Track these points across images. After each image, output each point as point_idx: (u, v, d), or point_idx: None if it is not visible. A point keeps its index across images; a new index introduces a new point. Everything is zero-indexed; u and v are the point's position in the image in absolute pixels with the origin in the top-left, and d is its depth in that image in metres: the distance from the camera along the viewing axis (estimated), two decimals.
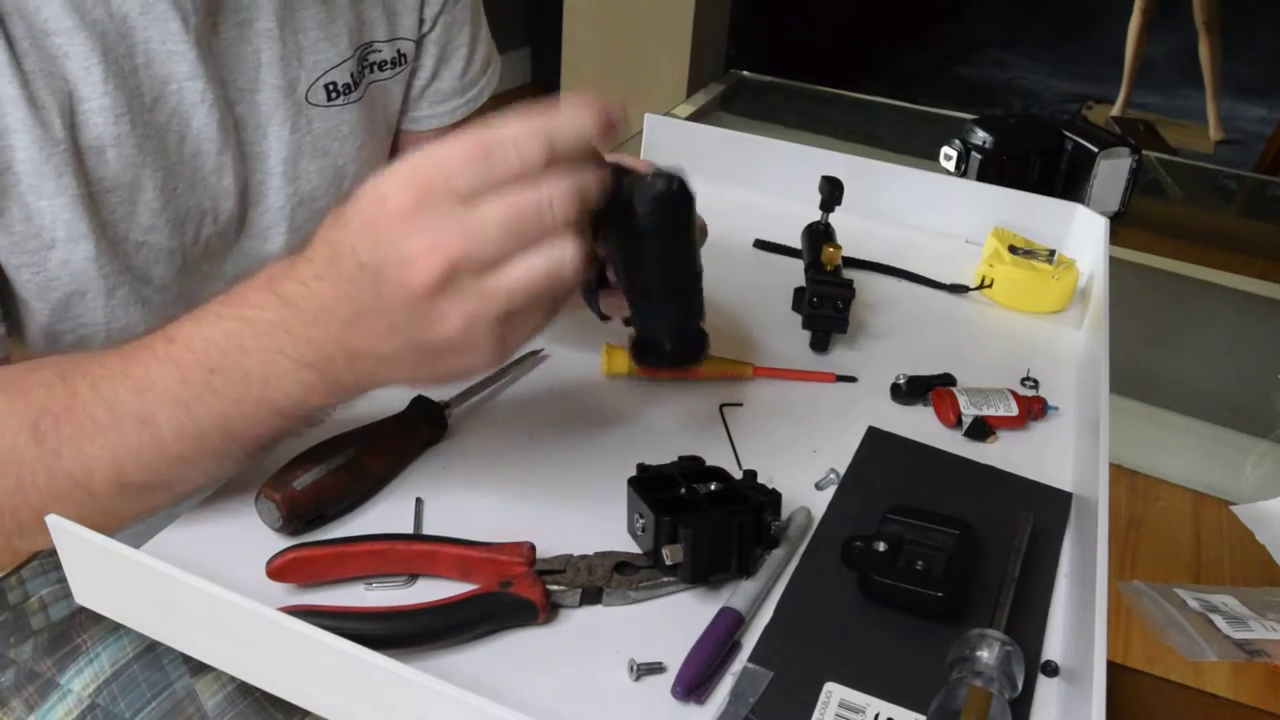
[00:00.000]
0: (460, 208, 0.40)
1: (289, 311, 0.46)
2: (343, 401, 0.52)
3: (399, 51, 0.76)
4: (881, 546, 0.53)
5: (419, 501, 0.57)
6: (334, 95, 0.71)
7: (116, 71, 0.57)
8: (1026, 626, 0.52)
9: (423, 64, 0.79)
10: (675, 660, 0.48)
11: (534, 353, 0.70)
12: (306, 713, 0.47)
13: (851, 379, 0.71)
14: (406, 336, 0.44)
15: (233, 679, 0.49)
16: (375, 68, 0.74)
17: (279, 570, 0.50)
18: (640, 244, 0.48)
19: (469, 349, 0.44)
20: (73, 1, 0.55)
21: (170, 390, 0.48)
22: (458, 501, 0.57)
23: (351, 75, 0.72)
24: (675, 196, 0.47)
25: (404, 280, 0.41)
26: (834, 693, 0.48)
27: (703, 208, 0.51)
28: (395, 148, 0.83)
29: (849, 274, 0.74)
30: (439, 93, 0.82)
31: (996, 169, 1.17)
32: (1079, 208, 0.90)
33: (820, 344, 0.74)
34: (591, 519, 0.56)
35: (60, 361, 0.52)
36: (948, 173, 1.20)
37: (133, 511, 0.52)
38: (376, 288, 0.43)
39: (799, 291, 0.76)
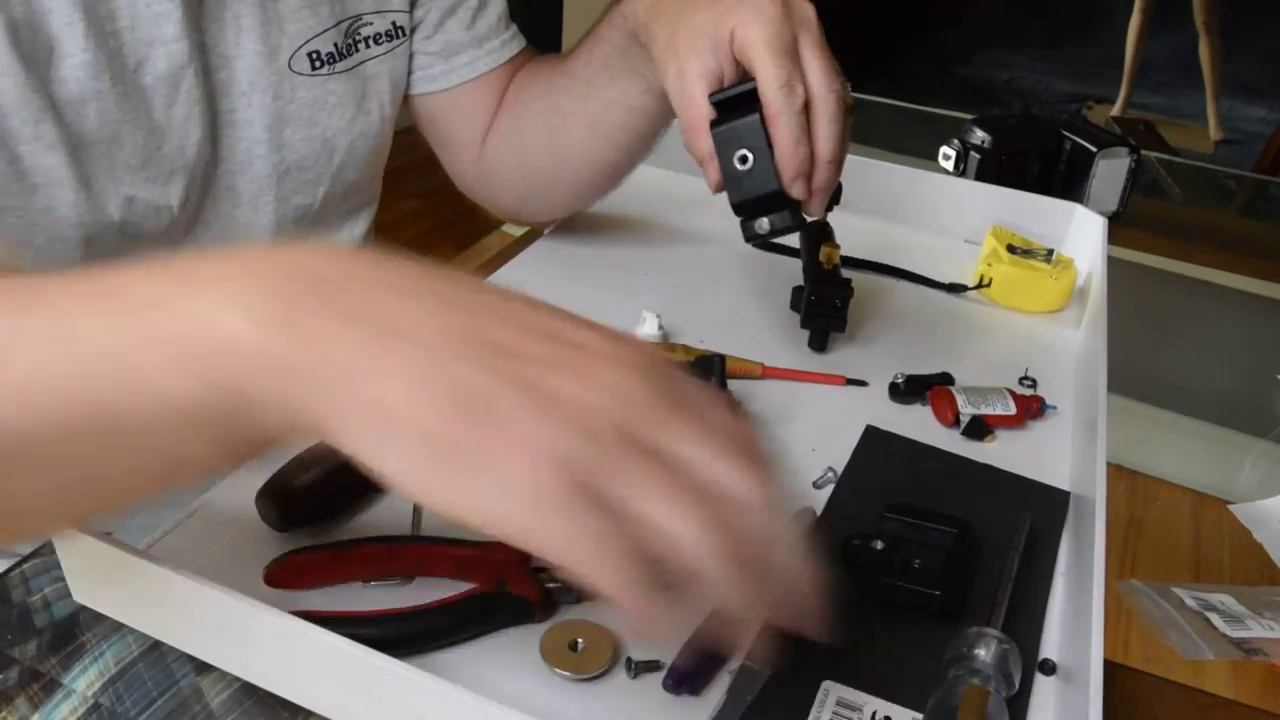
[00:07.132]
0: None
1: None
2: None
3: (394, 24, 0.76)
4: (879, 545, 0.53)
5: None
6: (318, 64, 0.70)
7: (98, 30, 0.58)
8: (1024, 625, 0.52)
9: (425, 21, 0.79)
10: (673, 657, 0.48)
11: None
12: (312, 712, 0.47)
13: (863, 383, 0.71)
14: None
15: (238, 677, 0.49)
16: (369, 41, 0.74)
17: (275, 577, 0.50)
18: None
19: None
20: None
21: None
22: None
23: (336, 45, 0.72)
24: None
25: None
26: (831, 691, 0.48)
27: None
28: (421, 116, 0.83)
29: (847, 273, 0.75)
30: (451, 45, 0.81)
31: (995, 169, 1.17)
32: (1077, 207, 0.90)
33: (818, 342, 0.74)
34: None
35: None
36: (947, 172, 1.20)
37: None
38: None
39: (798, 290, 0.76)
